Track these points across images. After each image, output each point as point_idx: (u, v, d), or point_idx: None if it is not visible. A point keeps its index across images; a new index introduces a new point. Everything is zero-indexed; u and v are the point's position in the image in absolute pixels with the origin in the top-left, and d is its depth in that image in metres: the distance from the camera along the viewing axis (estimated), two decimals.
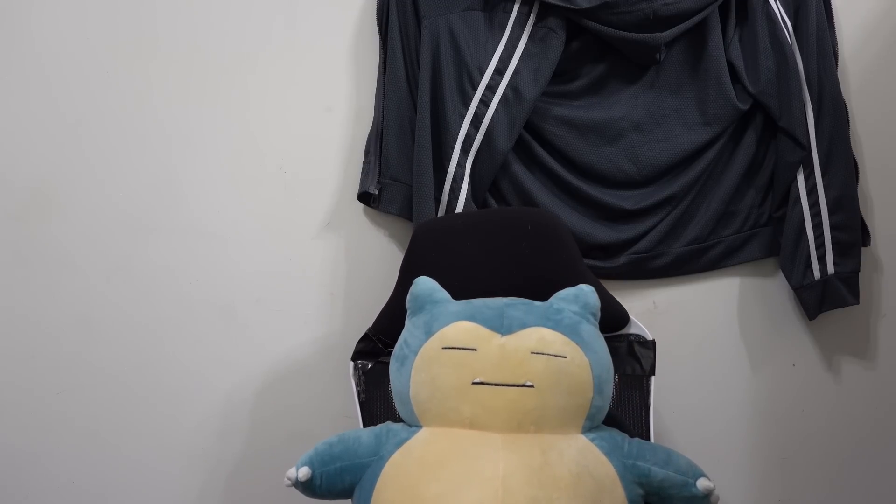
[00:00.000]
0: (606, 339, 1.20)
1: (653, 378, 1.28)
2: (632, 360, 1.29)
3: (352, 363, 1.30)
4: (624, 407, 1.28)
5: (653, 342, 1.30)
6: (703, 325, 1.51)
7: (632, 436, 1.15)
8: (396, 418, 1.18)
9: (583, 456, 1.05)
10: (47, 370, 1.47)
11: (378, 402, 1.30)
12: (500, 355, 1.08)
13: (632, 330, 1.31)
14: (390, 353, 1.23)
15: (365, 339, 1.31)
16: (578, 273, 1.27)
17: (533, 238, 1.29)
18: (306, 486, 1.07)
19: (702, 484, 1.08)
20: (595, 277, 1.30)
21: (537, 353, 1.08)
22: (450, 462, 1.03)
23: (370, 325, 1.32)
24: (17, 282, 1.47)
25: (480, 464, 1.02)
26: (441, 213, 1.41)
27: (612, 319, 1.27)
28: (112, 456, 1.47)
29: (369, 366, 1.30)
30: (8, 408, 1.46)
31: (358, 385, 1.30)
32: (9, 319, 1.47)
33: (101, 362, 1.47)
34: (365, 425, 1.27)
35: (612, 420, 1.19)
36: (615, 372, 1.27)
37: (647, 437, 1.26)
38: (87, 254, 1.48)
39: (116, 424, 1.47)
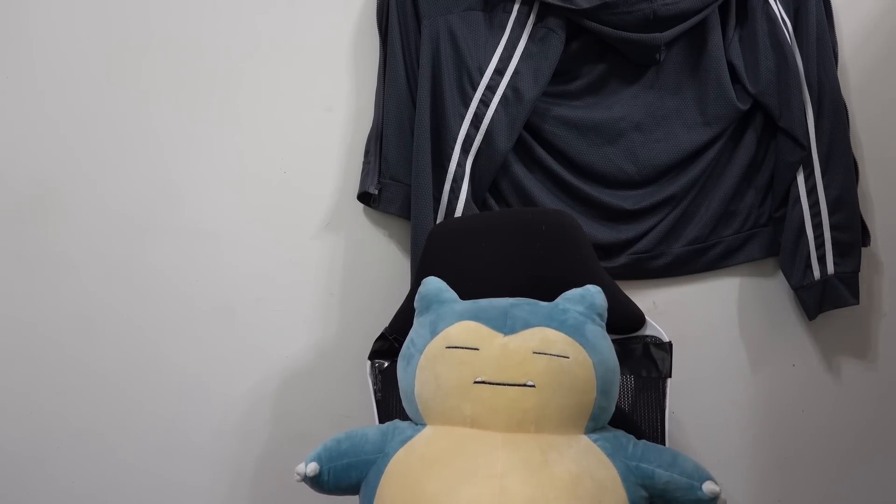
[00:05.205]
0: (622, 340, 1.19)
1: (669, 380, 1.26)
2: (647, 362, 1.27)
3: (368, 362, 1.30)
4: (640, 409, 1.27)
5: (669, 344, 1.27)
6: (703, 325, 1.51)
7: (646, 438, 1.14)
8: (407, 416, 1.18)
9: (584, 456, 1.05)
10: (47, 370, 1.47)
11: (394, 400, 1.29)
12: (502, 355, 1.07)
13: (648, 331, 1.29)
14: None
15: (382, 338, 1.31)
16: (592, 273, 1.26)
17: (547, 239, 1.28)
18: (314, 482, 1.09)
19: (707, 487, 1.05)
20: (610, 278, 1.29)
21: (539, 353, 1.07)
22: (450, 460, 1.04)
23: (377, 324, 1.31)
24: (17, 282, 1.47)
25: (479, 462, 1.02)
26: (441, 213, 1.41)
27: (628, 321, 1.26)
28: (112, 456, 1.47)
29: (385, 365, 1.30)
30: (8, 408, 1.46)
31: (375, 384, 1.30)
32: (9, 319, 1.47)
33: (101, 362, 1.47)
34: (381, 423, 1.27)
35: (624, 422, 1.17)
36: (631, 374, 1.27)
37: (662, 440, 1.24)
38: (86, 254, 1.48)
39: (116, 425, 1.47)
